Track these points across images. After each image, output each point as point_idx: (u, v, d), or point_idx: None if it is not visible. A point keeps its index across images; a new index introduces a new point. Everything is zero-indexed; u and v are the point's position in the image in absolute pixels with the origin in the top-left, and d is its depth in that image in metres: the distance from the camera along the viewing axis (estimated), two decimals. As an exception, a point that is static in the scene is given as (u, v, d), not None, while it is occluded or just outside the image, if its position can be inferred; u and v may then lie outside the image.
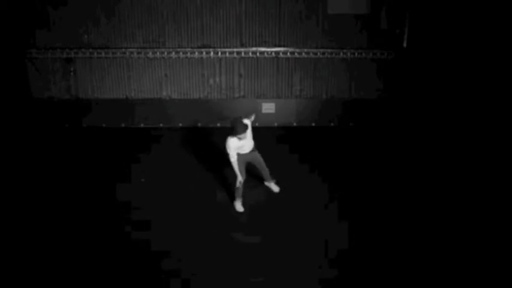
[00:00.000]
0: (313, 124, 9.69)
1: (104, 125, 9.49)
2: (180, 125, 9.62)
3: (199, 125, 9.65)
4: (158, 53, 9.19)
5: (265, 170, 6.14)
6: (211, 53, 9.24)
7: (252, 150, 5.88)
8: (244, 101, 9.54)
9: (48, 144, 8.43)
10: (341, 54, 9.36)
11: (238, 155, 5.66)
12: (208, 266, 4.62)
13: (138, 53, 9.17)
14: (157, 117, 9.55)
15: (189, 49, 9.21)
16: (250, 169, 6.22)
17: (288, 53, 9.31)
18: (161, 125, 9.60)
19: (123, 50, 9.13)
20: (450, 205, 5.96)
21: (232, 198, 6.05)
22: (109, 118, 9.48)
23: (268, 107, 9.36)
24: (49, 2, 8.75)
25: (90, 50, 9.09)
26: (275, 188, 6.40)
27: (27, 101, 9.17)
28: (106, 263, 4.65)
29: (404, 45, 9.32)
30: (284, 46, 9.28)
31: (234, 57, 9.33)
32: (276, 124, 9.29)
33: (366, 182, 6.76)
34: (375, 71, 9.55)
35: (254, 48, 9.26)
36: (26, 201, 6.04)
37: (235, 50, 9.24)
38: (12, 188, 6.46)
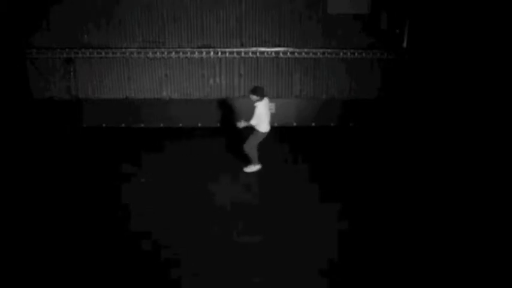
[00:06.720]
0: (313, 124, 9.70)
1: (104, 125, 9.50)
2: (180, 125, 9.62)
3: (199, 125, 9.66)
4: (158, 53, 9.20)
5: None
6: (211, 53, 9.24)
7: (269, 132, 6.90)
8: (244, 101, 9.54)
9: (48, 144, 8.43)
10: (341, 54, 9.37)
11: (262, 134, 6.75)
12: (208, 266, 4.62)
13: (138, 53, 9.18)
14: (157, 117, 9.56)
15: (189, 49, 9.21)
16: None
17: (288, 53, 9.31)
18: (161, 125, 9.60)
19: (123, 50, 9.14)
20: (449, 204, 5.96)
21: (232, 195, 6.23)
22: (109, 118, 9.49)
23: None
24: (49, 3, 8.77)
25: (90, 50, 9.10)
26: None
27: (27, 101, 9.17)
28: (105, 263, 4.65)
29: (404, 45, 9.33)
30: (284, 46, 9.29)
31: (234, 57, 9.34)
32: (276, 124, 9.29)
33: (366, 181, 6.76)
34: (375, 71, 9.56)
35: (254, 48, 9.26)
36: (26, 200, 6.04)
37: (235, 50, 9.24)
38: (13, 187, 6.46)
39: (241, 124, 6.76)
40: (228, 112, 9.57)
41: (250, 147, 6.88)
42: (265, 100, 6.74)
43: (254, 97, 6.65)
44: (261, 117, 6.66)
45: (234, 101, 9.56)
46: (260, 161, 7.08)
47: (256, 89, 6.70)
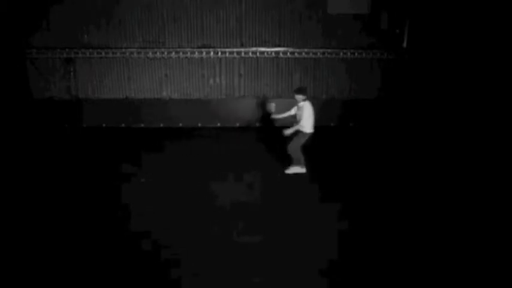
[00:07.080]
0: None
1: (104, 125, 9.50)
2: (180, 125, 9.62)
3: (199, 125, 9.65)
4: (158, 53, 9.20)
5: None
6: (211, 53, 9.24)
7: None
8: (244, 101, 9.55)
9: (49, 144, 8.43)
10: (341, 54, 9.37)
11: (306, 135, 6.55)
12: (208, 266, 4.62)
13: (138, 53, 9.18)
14: (157, 117, 9.56)
15: (189, 49, 9.21)
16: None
17: (288, 53, 9.31)
18: (161, 125, 9.60)
19: (123, 50, 9.14)
20: (449, 203, 5.96)
21: (232, 195, 6.20)
22: (109, 118, 9.49)
23: (269, 107, 9.34)
24: (49, 3, 8.78)
25: (90, 50, 9.10)
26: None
27: (27, 101, 9.17)
28: (105, 263, 4.65)
29: (404, 45, 9.33)
30: (284, 46, 9.29)
31: (234, 57, 9.34)
32: (275, 124, 9.28)
33: (366, 181, 6.76)
34: (375, 71, 9.56)
35: (254, 48, 9.26)
36: (26, 200, 6.04)
37: (235, 50, 9.24)
38: (13, 187, 6.46)
39: (288, 131, 6.56)
40: (229, 112, 9.58)
41: (295, 149, 6.73)
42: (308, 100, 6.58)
43: (300, 97, 6.50)
44: (308, 118, 6.48)
45: (231, 101, 9.56)
46: (305, 165, 6.97)
47: (301, 88, 6.58)
